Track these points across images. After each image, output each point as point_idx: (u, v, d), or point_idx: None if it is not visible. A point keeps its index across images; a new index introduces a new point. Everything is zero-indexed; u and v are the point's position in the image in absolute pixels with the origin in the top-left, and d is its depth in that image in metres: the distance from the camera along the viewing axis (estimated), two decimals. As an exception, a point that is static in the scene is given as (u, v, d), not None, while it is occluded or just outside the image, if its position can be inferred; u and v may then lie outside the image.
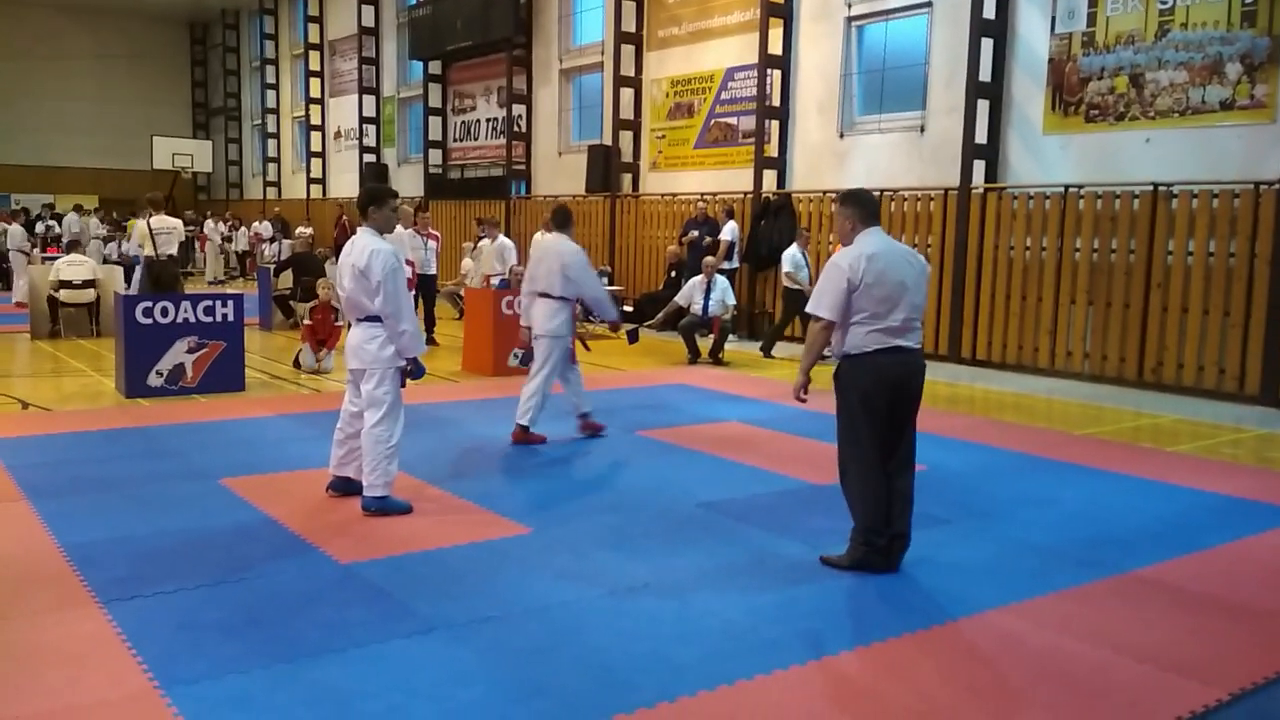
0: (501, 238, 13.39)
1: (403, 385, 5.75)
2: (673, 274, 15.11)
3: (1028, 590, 4.60)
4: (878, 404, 4.70)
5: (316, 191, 28.07)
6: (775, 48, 14.59)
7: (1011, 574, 4.84)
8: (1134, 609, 4.45)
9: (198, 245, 25.39)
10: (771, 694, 3.55)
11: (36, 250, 19.35)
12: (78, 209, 23.16)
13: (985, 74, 11.96)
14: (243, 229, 25.89)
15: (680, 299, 12.58)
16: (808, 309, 4.84)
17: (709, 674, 3.67)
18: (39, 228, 23.32)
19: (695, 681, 3.61)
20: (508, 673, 3.68)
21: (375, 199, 5.75)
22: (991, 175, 12.15)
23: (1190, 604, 4.54)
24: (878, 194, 13.21)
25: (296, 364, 10.85)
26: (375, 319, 5.58)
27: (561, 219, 7.80)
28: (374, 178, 24.68)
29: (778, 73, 14.70)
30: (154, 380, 9.03)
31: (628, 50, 17.32)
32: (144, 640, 3.87)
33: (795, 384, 4.93)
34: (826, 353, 4.90)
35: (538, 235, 15.63)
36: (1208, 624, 4.31)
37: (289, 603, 4.28)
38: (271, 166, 30.95)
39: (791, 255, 12.47)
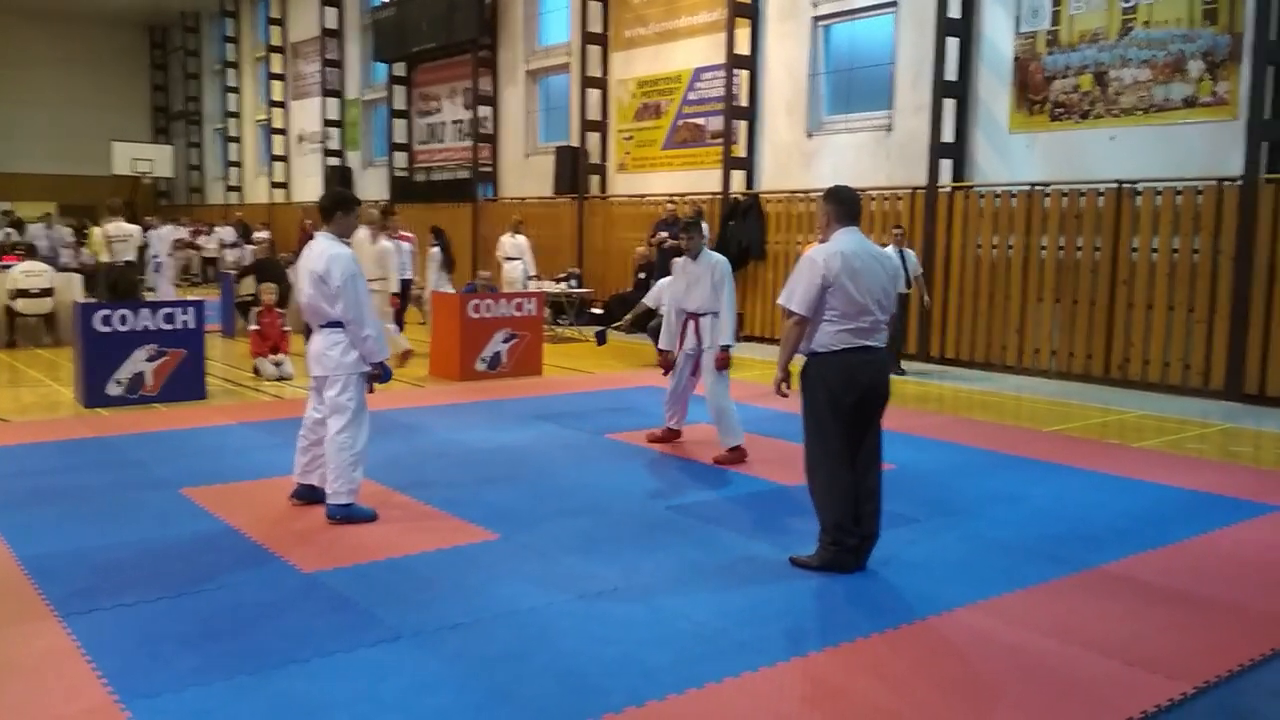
0: (383, 241, 11.44)
1: (370, 390, 5.67)
2: (641, 275, 15.06)
3: (996, 587, 4.60)
4: (845, 403, 4.67)
5: (280, 196, 27.81)
6: (742, 48, 14.61)
7: (980, 571, 4.84)
8: (1101, 604, 4.46)
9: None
10: (742, 696, 3.52)
11: None
12: (46, 218, 22.67)
13: (951, 73, 12.02)
14: (214, 232, 25.47)
15: (649, 300, 12.46)
16: (780, 301, 4.81)
17: (679, 677, 3.64)
18: (-4, 235, 22.90)
19: (665, 685, 3.57)
20: (476, 680, 3.62)
21: (344, 204, 5.67)
22: (958, 174, 12.21)
23: (1156, 598, 4.55)
24: (845, 194, 13.26)
25: (257, 372, 10.71)
26: (336, 325, 5.50)
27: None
28: (338, 181, 24.46)
29: (745, 73, 14.72)
30: (113, 389, 8.88)
31: (594, 51, 17.28)
32: (103, 653, 3.79)
33: (775, 379, 4.89)
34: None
35: (504, 237, 15.59)
36: (1173, 618, 4.32)
37: (251, 613, 4.20)
38: (233, 171, 30.63)
39: None
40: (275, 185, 27.85)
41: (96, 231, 11.40)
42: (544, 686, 3.58)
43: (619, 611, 4.26)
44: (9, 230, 22.91)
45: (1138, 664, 3.84)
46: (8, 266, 16.56)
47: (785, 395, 4.89)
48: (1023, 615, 4.29)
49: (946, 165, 12.19)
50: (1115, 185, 10.60)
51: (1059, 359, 11.20)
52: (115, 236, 10.87)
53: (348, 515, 5.49)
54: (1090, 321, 10.85)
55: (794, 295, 4.67)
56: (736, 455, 7.10)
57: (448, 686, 3.57)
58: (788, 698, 3.53)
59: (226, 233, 24.77)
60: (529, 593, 4.46)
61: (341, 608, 4.27)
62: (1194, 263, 10.10)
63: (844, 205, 4.78)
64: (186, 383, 9.22)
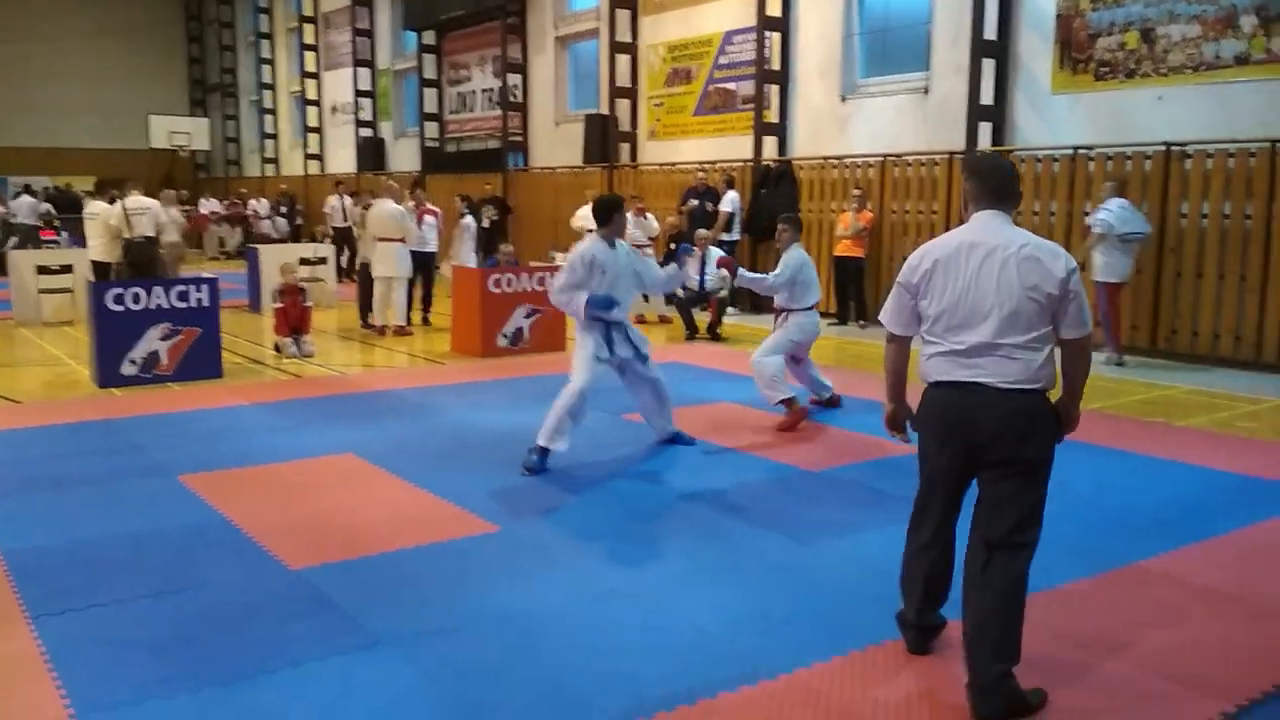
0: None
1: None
2: (673, 245, 14.73)
3: (1024, 588, 4.27)
4: (939, 458, 3.49)
5: (314, 168, 27.72)
6: (774, 9, 14.15)
7: (1008, 569, 4.51)
8: (1135, 607, 4.12)
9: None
10: (733, 715, 3.25)
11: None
12: (25, 190, 22.74)
13: (990, 32, 11.51)
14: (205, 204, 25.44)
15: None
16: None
17: (672, 692, 3.37)
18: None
19: (657, 701, 3.31)
20: (452, 693, 3.39)
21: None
22: (998, 138, 11.73)
23: (1197, 599, 4.21)
24: (880, 159, 12.82)
25: (277, 348, 10.58)
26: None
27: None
28: (371, 153, 24.35)
29: (777, 35, 14.26)
30: (128, 369, 8.76)
31: (623, 15, 16.87)
32: (68, 661, 3.60)
33: (885, 413, 3.76)
34: None
35: (583, 209, 15.14)
36: (1215, 623, 3.98)
37: (228, 616, 3.99)
38: (269, 143, 30.59)
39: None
40: (310, 157, 27.76)
41: (106, 207, 11.30)
42: (526, 702, 3.33)
43: (615, 616, 4.00)
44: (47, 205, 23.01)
45: (1170, 677, 3.51)
46: (52, 241, 16.77)
47: (897, 438, 3.79)
48: (1048, 619, 3.95)
49: (986, 129, 11.69)
50: (1163, 148, 10.08)
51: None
52: (133, 210, 10.74)
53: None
54: (1136, 291, 10.36)
55: (886, 309, 3.64)
56: (792, 416, 7.15)
57: (421, 700, 3.33)
58: (786, 715, 3.25)
59: (261, 205, 24.72)
60: (521, 594, 4.21)
61: (322, 609, 4.05)
62: (1246, 229, 9.58)
63: (985, 180, 3.47)
64: (202, 361, 9.08)
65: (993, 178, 3.47)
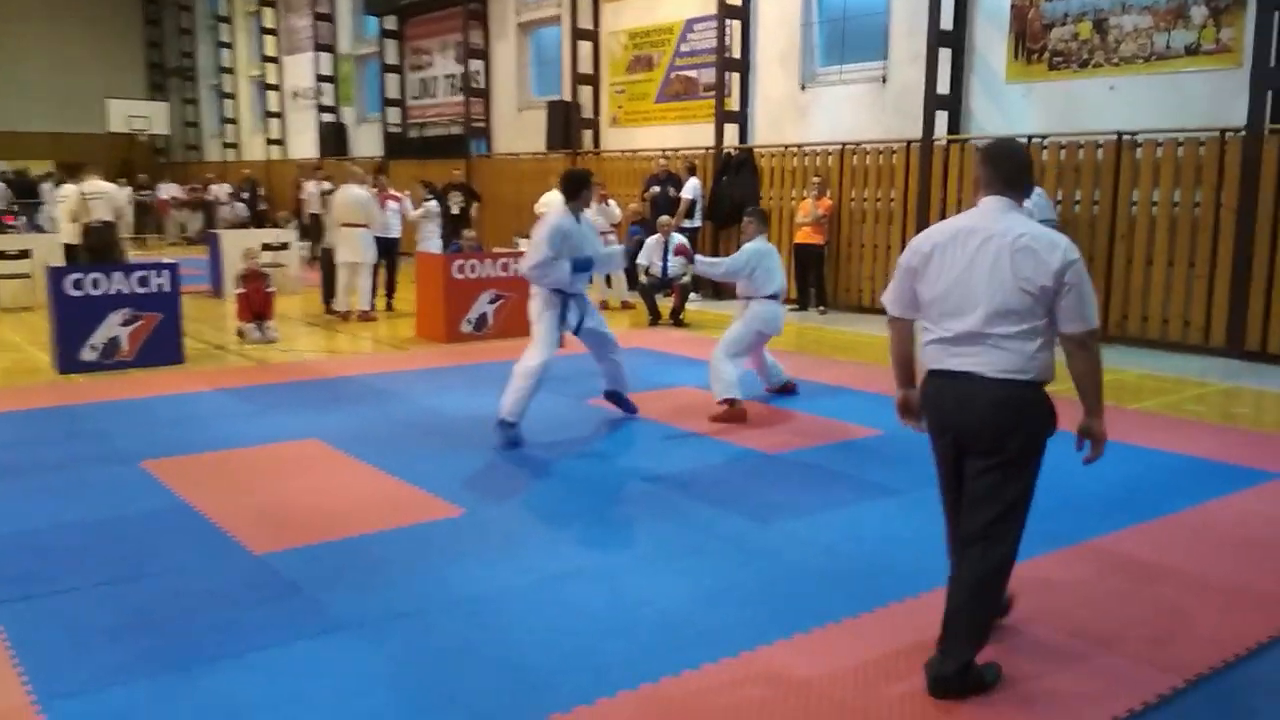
0: None
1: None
2: (636, 236, 14.77)
3: (977, 566, 4.38)
4: (939, 445, 3.53)
5: (276, 153, 27.42)
6: (734, -3, 14.20)
7: (961, 548, 4.62)
8: (1088, 584, 4.25)
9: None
10: (696, 692, 3.33)
11: None
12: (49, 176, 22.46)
13: (947, 22, 11.64)
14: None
15: (641, 260, 12.27)
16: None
17: (635, 671, 3.44)
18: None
19: (619, 680, 3.38)
20: (416, 677, 3.43)
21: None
22: (954, 126, 11.86)
23: (1147, 577, 4.34)
24: (839, 147, 12.93)
25: (240, 334, 10.52)
26: None
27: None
28: (333, 138, 24.14)
29: (737, 23, 14.31)
30: (88, 355, 8.68)
31: (585, 2, 16.86)
32: (29, 648, 3.60)
33: (896, 401, 3.70)
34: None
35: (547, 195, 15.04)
36: (1165, 599, 4.11)
37: (191, 602, 4.00)
38: (229, 128, 30.21)
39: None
40: (271, 142, 27.45)
41: (72, 190, 11.19)
42: (489, 684, 3.39)
43: (579, 597, 4.06)
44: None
45: (1125, 653, 3.63)
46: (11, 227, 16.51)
47: (910, 426, 3.68)
48: (1001, 597, 4.08)
49: (942, 117, 11.84)
50: (1115, 136, 10.26)
51: (1058, 316, 10.91)
52: (91, 195, 10.61)
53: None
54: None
55: (889, 289, 3.59)
56: (732, 413, 7.00)
57: (384, 685, 3.37)
58: (746, 693, 3.33)
59: (222, 190, 24.45)
60: (486, 576, 4.27)
61: (285, 594, 4.08)
62: (1195, 216, 9.79)
63: (995, 166, 3.38)
64: (163, 347, 9.02)
65: (1002, 164, 3.39)
